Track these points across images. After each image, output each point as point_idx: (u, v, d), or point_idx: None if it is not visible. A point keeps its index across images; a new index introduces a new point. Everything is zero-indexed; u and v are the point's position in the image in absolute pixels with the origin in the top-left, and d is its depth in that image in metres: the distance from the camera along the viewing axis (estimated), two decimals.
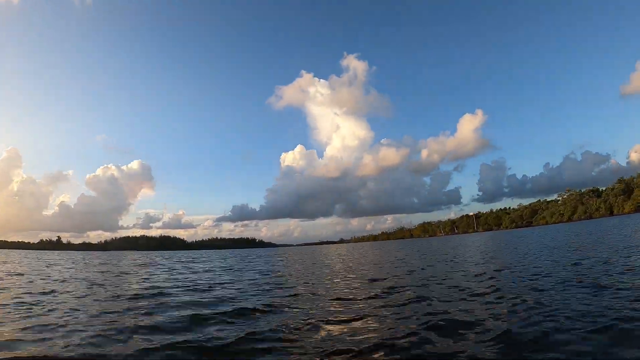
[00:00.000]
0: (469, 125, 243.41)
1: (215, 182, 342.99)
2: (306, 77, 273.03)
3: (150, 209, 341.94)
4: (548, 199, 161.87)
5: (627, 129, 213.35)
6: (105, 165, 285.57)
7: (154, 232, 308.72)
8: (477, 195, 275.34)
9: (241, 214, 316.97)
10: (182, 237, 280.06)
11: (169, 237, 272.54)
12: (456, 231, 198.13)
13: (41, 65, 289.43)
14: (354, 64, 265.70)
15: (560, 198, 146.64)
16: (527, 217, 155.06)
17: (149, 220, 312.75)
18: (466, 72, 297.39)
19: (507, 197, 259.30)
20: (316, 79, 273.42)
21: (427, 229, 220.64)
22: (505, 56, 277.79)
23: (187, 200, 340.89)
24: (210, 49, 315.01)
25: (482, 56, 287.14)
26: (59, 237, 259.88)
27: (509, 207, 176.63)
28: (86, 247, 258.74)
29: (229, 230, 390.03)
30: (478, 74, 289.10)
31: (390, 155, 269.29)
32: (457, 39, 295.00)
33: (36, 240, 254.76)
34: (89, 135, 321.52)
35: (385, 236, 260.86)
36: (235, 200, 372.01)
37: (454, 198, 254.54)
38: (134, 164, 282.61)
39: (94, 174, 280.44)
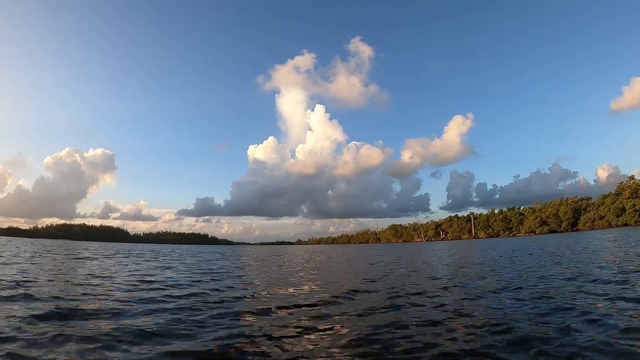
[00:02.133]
0: (456, 129, 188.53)
1: (184, 173, 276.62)
2: (307, 57, 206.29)
3: (111, 199, 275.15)
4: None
5: (606, 146, 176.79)
6: (65, 148, 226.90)
7: (112, 223, 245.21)
8: (447, 202, 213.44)
9: (204, 209, 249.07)
10: (125, 229, 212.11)
11: (110, 227, 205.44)
12: (442, 236, 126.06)
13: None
14: (361, 49, 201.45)
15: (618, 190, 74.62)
16: (569, 218, 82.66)
17: (108, 210, 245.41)
18: (466, 73, 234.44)
19: (474, 207, 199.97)
20: (315, 62, 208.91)
21: (400, 233, 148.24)
22: (503, 60, 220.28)
23: (151, 191, 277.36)
24: (196, 18, 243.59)
25: (482, 58, 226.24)
26: None
27: (519, 207, 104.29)
28: (13, 232, 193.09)
29: (190, 225, 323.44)
30: (478, 75, 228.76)
31: (370, 155, 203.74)
32: (461, 38, 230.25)
33: None
34: (49, 115, 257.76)
35: (346, 239, 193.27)
36: (201, 193, 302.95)
37: (423, 205, 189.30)
38: (97, 151, 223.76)
39: (52, 156, 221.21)
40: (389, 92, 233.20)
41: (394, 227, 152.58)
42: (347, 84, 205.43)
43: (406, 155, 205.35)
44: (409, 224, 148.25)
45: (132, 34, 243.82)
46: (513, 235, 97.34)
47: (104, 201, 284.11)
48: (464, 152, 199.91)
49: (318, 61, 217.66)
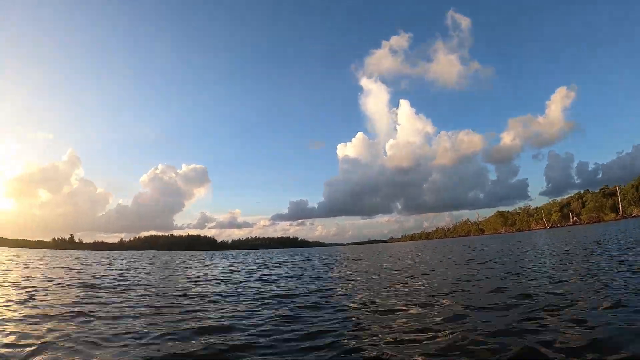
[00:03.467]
0: (560, 103, 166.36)
1: (276, 177, 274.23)
2: (403, 38, 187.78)
3: (206, 209, 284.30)
4: None
5: None
6: (159, 165, 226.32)
7: (208, 232, 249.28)
8: (546, 187, 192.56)
9: (298, 212, 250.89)
10: (213, 237, 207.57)
11: (198, 236, 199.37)
12: (574, 219, 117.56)
13: (89, 64, 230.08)
14: (458, 21, 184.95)
15: None
16: None
17: (204, 221, 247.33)
18: (577, 35, 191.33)
19: (576, 190, 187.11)
20: (411, 42, 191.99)
21: (512, 220, 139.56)
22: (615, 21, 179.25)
23: (245, 198, 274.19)
24: (280, 8, 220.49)
25: (596, 16, 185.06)
26: (71, 235, 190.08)
27: None
28: (100, 246, 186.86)
29: (284, 230, 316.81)
30: (587, 37, 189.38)
31: (468, 140, 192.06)
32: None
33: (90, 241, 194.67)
34: (144, 134, 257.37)
35: (443, 233, 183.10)
36: (295, 196, 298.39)
37: (521, 191, 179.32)
38: (190, 167, 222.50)
39: (148, 173, 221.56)
40: (490, 66, 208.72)
41: (502, 215, 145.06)
42: (446, 62, 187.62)
43: (507, 138, 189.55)
44: (520, 208, 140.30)
45: (209, 36, 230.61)
46: None
47: (200, 212, 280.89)
48: (568, 129, 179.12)
49: (414, 41, 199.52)
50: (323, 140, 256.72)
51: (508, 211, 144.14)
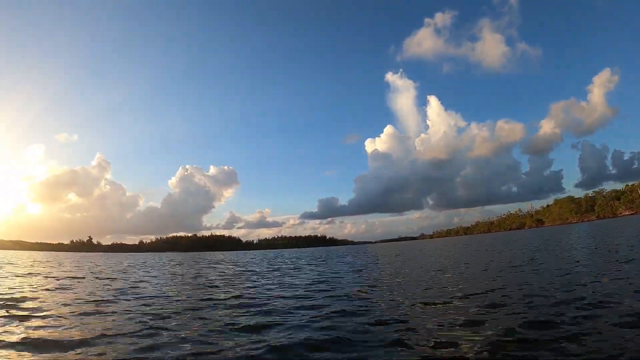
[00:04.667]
0: (603, 87, 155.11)
1: (306, 176, 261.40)
2: (446, 16, 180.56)
3: (236, 210, 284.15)
4: None
5: None
6: (188, 167, 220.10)
7: (237, 232, 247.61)
8: (582, 178, 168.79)
9: (328, 210, 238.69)
10: (237, 237, 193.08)
11: (222, 236, 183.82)
12: None
13: (114, 66, 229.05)
14: None
15: None
16: None
17: (233, 221, 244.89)
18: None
19: (612, 181, 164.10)
20: (454, 20, 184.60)
21: (587, 206, 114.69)
22: None
23: (275, 197, 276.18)
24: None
25: None
26: (90, 237, 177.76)
27: None
28: (118, 248, 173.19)
29: (313, 228, 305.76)
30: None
31: (508, 129, 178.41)
32: None
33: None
34: (171, 137, 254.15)
35: (486, 227, 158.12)
36: (326, 194, 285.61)
37: (555, 184, 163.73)
38: (219, 169, 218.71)
39: (176, 175, 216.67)
40: (539, 47, 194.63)
41: (572, 200, 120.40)
42: (491, 42, 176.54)
43: (547, 126, 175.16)
44: (594, 191, 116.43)
45: (235, 35, 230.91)
46: None
47: (229, 212, 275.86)
48: (610, 115, 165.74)
49: (458, 20, 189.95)
50: (355, 134, 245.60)
51: (573, 197, 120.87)
